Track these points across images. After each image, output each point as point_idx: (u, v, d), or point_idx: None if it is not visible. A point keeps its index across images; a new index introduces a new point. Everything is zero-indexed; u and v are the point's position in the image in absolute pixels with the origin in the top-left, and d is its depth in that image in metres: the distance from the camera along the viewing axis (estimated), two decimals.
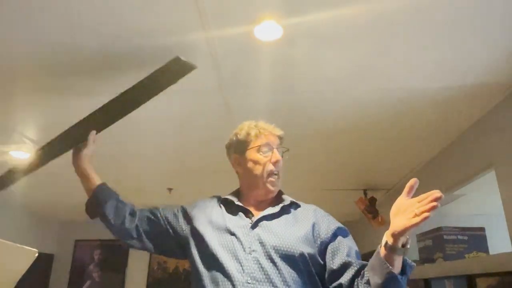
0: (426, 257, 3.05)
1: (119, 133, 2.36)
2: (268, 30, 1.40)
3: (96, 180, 1.42)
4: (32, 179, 3.46)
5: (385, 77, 1.74)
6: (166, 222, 1.36)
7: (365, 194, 3.64)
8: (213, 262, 1.18)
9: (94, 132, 1.50)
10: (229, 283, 1.12)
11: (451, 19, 1.36)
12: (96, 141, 1.51)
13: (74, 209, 4.90)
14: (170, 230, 1.35)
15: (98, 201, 1.37)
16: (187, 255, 1.31)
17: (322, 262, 1.19)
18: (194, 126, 2.32)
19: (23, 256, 1.40)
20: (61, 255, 5.58)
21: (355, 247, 1.22)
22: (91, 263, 5.53)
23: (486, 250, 2.72)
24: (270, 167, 1.29)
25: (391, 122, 2.20)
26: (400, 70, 1.68)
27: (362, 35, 1.45)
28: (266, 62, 1.64)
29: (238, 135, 1.37)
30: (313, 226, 1.23)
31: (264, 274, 1.12)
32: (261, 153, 1.31)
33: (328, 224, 1.25)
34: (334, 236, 1.22)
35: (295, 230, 1.21)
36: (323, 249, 1.20)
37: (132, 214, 1.37)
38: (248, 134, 1.35)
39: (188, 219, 1.34)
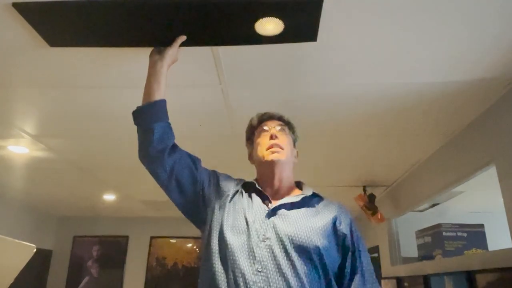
0: (425, 254, 3.06)
1: (117, 130, 2.35)
2: (269, 25, 1.39)
3: (163, 93, 1.32)
4: (31, 174, 3.47)
5: (384, 73, 1.73)
6: (200, 178, 1.31)
7: (365, 190, 3.63)
8: (225, 245, 1.16)
9: (183, 37, 1.40)
10: (239, 269, 1.10)
11: (450, 13, 1.35)
12: (177, 54, 1.43)
13: (72, 205, 4.92)
14: (199, 189, 1.30)
15: (155, 113, 1.27)
16: (201, 224, 1.29)
17: (338, 259, 1.20)
18: (193, 121, 2.30)
19: (22, 252, 1.40)
20: (60, 251, 5.58)
21: (368, 266, 1.23)
22: (89, 259, 5.53)
23: (485, 247, 2.73)
24: (268, 141, 1.32)
25: (390, 118, 2.19)
26: (400, 66, 1.67)
27: (361, 32, 1.45)
28: (268, 58, 1.63)
29: (246, 131, 1.47)
30: (335, 219, 1.23)
31: (276, 264, 1.10)
32: (261, 136, 1.37)
33: (348, 226, 1.25)
34: (354, 246, 1.22)
35: (314, 221, 1.20)
36: (341, 245, 1.21)
37: (174, 147, 1.29)
38: (250, 125, 1.44)
39: (217, 190, 1.32)
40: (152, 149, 1.24)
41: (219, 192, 1.30)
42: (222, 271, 1.12)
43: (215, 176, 1.36)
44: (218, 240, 1.18)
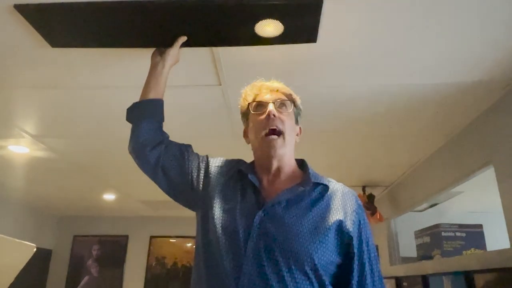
0: (424, 254, 3.06)
1: (118, 130, 2.36)
2: (269, 27, 1.39)
3: (160, 93, 1.34)
4: (31, 174, 3.47)
5: (383, 74, 1.74)
6: (189, 167, 1.23)
7: (364, 190, 3.64)
8: (213, 250, 1.06)
9: (184, 37, 1.41)
10: (225, 286, 1.00)
11: (450, 15, 1.35)
12: (178, 55, 1.44)
13: (72, 205, 4.92)
14: (188, 179, 1.22)
15: (147, 110, 1.29)
16: (196, 214, 1.22)
17: (338, 260, 1.05)
18: (193, 122, 2.31)
19: (22, 251, 1.40)
20: (60, 250, 5.58)
21: (378, 270, 1.09)
22: (89, 258, 5.53)
23: (483, 247, 2.73)
24: (263, 123, 1.14)
25: (390, 119, 2.20)
26: (399, 66, 1.68)
27: (361, 33, 1.45)
28: (267, 59, 1.64)
29: (240, 104, 1.27)
30: (340, 222, 1.06)
31: (264, 281, 0.97)
32: (256, 112, 1.18)
33: (356, 226, 1.08)
34: (362, 251, 1.07)
35: (312, 225, 1.04)
36: (344, 247, 1.06)
37: (161, 143, 1.25)
38: (244, 100, 1.24)
39: (206, 179, 1.21)
40: (138, 144, 1.24)
41: (208, 181, 1.20)
42: (208, 281, 1.05)
43: (205, 163, 1.25)
44: (209, 244, 1.08)
